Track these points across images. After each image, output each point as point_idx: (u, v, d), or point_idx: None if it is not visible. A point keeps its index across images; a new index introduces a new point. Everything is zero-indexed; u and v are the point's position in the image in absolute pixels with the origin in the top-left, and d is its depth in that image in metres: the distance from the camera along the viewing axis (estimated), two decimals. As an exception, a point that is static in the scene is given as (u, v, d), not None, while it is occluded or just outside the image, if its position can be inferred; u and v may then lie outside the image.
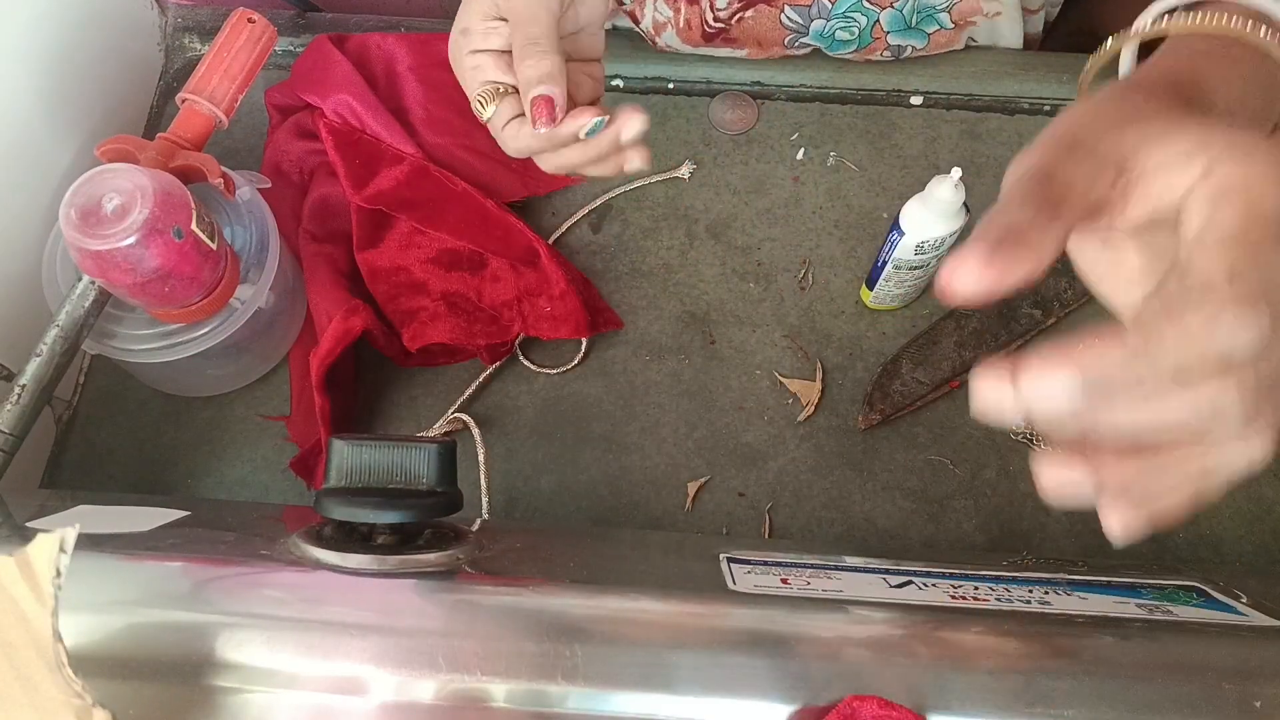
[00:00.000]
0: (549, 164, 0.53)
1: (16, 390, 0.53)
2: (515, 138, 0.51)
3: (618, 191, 0.70)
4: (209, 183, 0.56)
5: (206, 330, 0.58)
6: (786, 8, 0.66)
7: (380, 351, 0.64)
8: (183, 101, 0.58)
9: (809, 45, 0.69)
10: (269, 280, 0.59)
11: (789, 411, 0.64)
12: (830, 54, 0.70)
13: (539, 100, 0.49)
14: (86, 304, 0.54)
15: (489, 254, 0.65)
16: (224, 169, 0.59)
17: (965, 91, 0.71)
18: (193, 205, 0.52)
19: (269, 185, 0.62)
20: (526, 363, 0.66)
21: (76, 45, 0.66)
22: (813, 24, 0.67)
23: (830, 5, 0.65)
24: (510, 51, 0.51)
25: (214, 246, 0.54)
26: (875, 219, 0.68)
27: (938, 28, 0.68)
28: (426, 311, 0.64)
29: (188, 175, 0.57)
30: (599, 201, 0.70)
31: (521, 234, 0.65)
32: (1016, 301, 0.64)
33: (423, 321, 0.64)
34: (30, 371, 0.54)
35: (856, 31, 0.67)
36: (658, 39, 0.71)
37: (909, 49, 0.69)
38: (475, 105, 0.52)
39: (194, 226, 0.52)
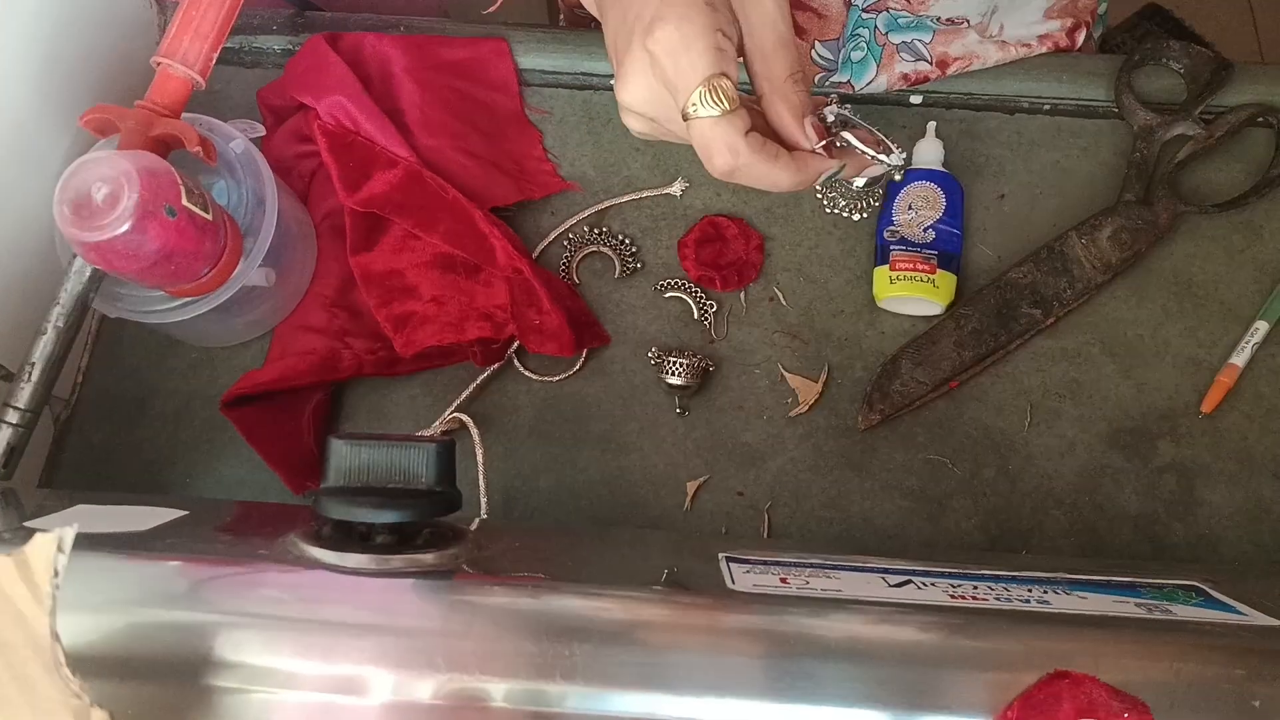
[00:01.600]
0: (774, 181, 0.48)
1: (27, 369, 0.55)
2: (761, 152, 0.44)
3: (615, 202, 0.70)
4: (188, 150, 0.56)
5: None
6: (817, 44, 0.66)
7: (368, 376, 0.65)
8: (157, 65, 0.57)
9: (841, 83, 0.69)
10: (268, 237, 0.59)
11: (788, 411, 0.64)
12: (858, 89, 0.70)
13: (819, 126, 0.47)
14: (84, 279, 0.55)
15: (481, 262, 0.65)
16: (214, 121, 0.59)
17: (965, 91, 0.71)
18: (180, 182, 0.52)
19: (263, 133, 0.62)
20: (526, 372, 0.65)
21: (74, 45, 0.66)
22: (843, 53, 0.67)
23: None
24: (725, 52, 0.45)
25: (209, 218, 0.54)
26: (876, 218, 0.68)
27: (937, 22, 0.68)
28: (418, 315, 0.64)
29: (169, 143, 0.56)
30: (601, 207, 0.70)
31: (504, 252, 0.64)
32: (1015, 301, 0.64)
33: (414, 326, 0.64)
34: (39, 350, 0.55)
35: (865, 46, 0.67)
36: None
37: (915, 44, 0.68)
38: (704, 99, 0.43)
39: (185, 202, 0.52)
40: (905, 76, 0.69)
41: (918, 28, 0.67)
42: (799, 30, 0.66)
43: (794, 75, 0.45)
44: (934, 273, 0.63)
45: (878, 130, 0.49)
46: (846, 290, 0.67)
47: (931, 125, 0.68)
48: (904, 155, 0.49)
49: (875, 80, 0.69)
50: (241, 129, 0.61)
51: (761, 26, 0.45)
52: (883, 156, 0.48)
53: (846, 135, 0.48)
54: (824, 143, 0.47)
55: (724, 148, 0.44)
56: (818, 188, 0.52)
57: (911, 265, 0.63)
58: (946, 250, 0.64)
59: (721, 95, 0.43)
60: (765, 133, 0.46)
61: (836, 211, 0.54)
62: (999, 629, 0.40)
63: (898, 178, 0.51)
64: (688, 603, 0.41)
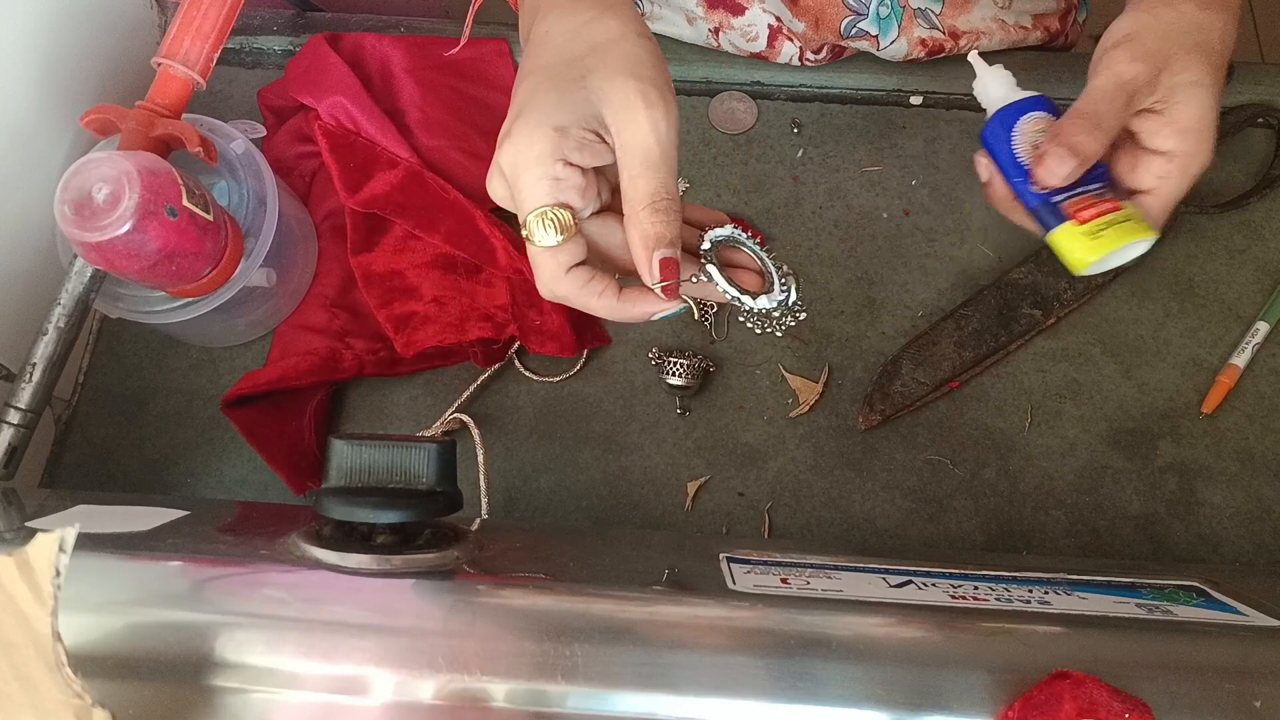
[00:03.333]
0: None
1: (29, 369, 0.55)
2: (582, 290, 0.43)
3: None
4: (189, 150, 0.56)
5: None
6: None
7: (369, 377, 0.65)
8: (158, 65, 0.57)
9: (865, 34, 0.68)
10: (269, 238, 0.59)
11: (789, 411, 0.64)
12: (879, 54, 0.69)
13: (669, 263, 0.42)
14: (85, 279, 0.55)
15: (482, 263, 0.65)
16: (214, 122, 0.59)
17: (965, 91, 0.70)
18: (180, 182, 0.52)
19: (264, 134, 0.62)
20: (527, 373, 0.65)
21: (75, 45, 0.66)
22: (874, 3, 0.66)
23: None
24: (588, 174, 0.42)
25: (210, 218, 0.54)
26: (875, 219, 0.68)
27: None
28: (418, 316, 0.64)
29: (170, 143, 0.57)
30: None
31: (505, 253, 0.65)
32: (1016, 302, 0.64)
33: (415, 326, 0.64)
34: (40, 351, 0.55)
35: (890, 3, 0.66)
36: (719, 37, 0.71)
37: (929, 13, 0.68)
38: (534, 225, 0.42)
39: (186, 202, 0.52)
40: (923, 42, 0.68)
41: None
42: None
43: (654, 204, 0.42)
44: (1118, 206, 0.49)
45: (771, 259, 0.45)
46: (847, 290, 0.67)
47: (975, 57, 0.54)
48: (785, 293, 0.45)
49: (896, 42, 0.68)
50: (242, 129, 0.61)
51: (630, 145, 0.42)
52: (745, 299, 0.44)
53: (710, 270, 0.44)
54: (664, 285, 0.42)
55: (545, 278, 0.43)
56: (741, 307, 0.48)
57: (1098, 208, 0.49)
58: (1097, 174, 0.50)
59: (552, 225, 0.41)
60: (623, 250, 0.44)
61: (763, 331, 0.48)
62: (1000, 629, 0.40)
63: (775, 314, 0.46)
64: (688, 603, 0.41)
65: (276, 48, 0.74)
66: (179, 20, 0.57)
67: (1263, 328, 0.64)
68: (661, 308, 0.44)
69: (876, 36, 0.68)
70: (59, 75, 0.65)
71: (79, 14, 0.66)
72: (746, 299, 0.44)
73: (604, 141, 0.42)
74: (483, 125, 0.70)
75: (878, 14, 0.67)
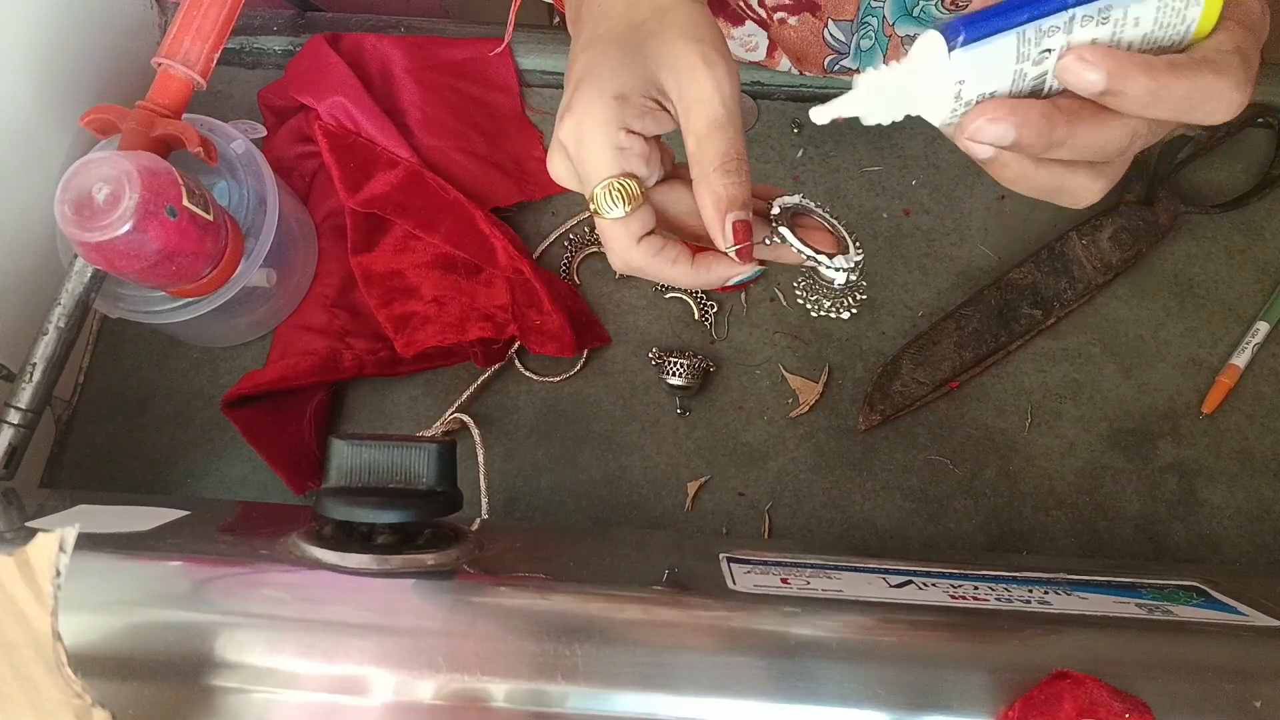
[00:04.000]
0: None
1: (29, 369, 0.55)
2: (656, 258, 0.42)
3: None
4: (189, 150, 0.56)
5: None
6: (830, 22, 0.66)
7: (369, 377, 0.65)
8: (158, 65, 0.57)
9: (848, 70, 0.68)
10: (269, 238, 0.59)
11: (789, 411, 0.64)
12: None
13: (742, 226, 0.41)
14: (85, 279, 0.56)
15: (482, 263, 0.66)
16: (215, 122, 0.59)
17: (965, 91, 0.70)
18: (181, 182, 0.52)
19: (264, 134, 0.62)
20: (527, 373, 0.65)
21: (75, 45, 0.66)
22: (854, 39, 0.66)
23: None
24: (650, 141, 0.41)
25: (210, 218, 0.54)
26: (875, 219, 0.68)
27: (935, 18, 0.67)
28: (419, 316, 0.64)
29: (170, 143, 0.57)
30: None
31: (505, 253, 0.65)
32: (1016, 302, 0.64)
33: (415, 326, 0.64)
34: (40, 351, 0.55)
35: (873, 35, 0.66)
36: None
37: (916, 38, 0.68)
38: (601, 198, 0.41)
39: (186, 202, 0.52)
40: None
41: (920, 19, 0.67)
42: (814, 5, 0.65)
43: (725, 164, 0.41)
44: None
45: (841, 224, 0.44)
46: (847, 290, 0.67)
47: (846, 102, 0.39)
48: (860, 255, 0.44)
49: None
50: (242, 129, 0.61)
51: (695, 105, 0.41)
52: (823, 259, 0.43)
53: (783, 232, 0.43)
54: (739, 247, 0.41)
55: (618, 249, 0.42)
56: (798, 288, 0.48)
57: None
58: None
59: (620, 197, 0.40)
60: (690, 217, 0.44)
61: (821, 313, 0.48)
62: (1000, 629, 0.40)
63: (853, 277, 0.44)
64: (689, 603, 0.41)
65: (276, 48, 0.74)
66: (179, 20, 0.57)
67: (1263, 328, 0.64)
68: (736, 271, 0.43)
69: (859, 69, 0.68)
70: (59, 75, 0.64)
71: (79, 14, 0.66)
72: (823, 258, 0.43)
73: (664, 109, 0.42)
74: (483, 125, 0.70)
75: (859, 47, 0.67)
